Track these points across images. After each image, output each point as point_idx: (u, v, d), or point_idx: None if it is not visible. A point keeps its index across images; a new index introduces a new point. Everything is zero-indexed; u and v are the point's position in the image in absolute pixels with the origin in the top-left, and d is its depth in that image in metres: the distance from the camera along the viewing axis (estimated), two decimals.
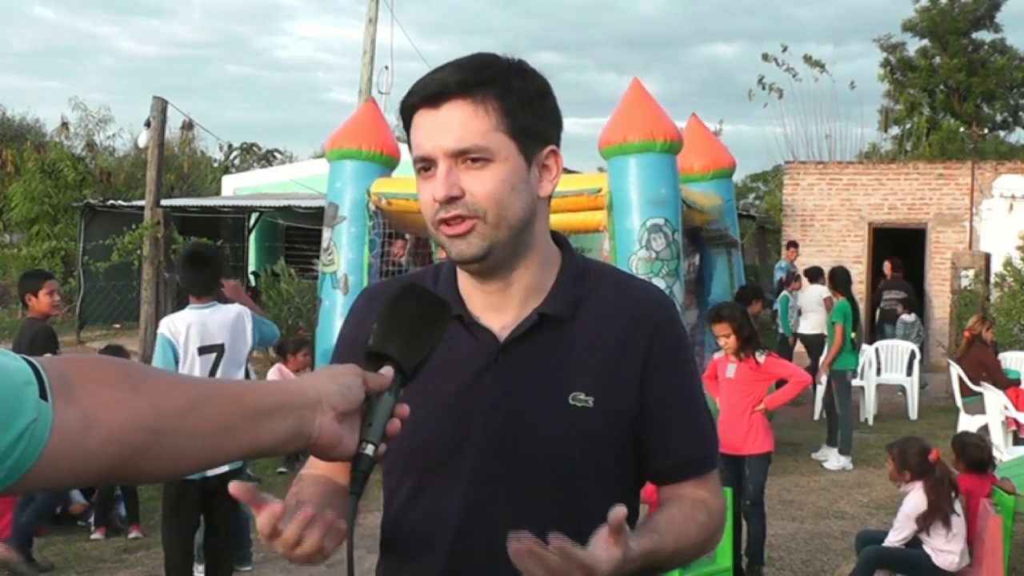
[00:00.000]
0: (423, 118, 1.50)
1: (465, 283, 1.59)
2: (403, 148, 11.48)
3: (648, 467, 1.61)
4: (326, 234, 9.13)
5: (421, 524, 1.55)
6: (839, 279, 9.56)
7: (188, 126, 28.10)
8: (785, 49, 22.93)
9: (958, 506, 5.04)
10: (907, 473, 5.07)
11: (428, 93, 1.49)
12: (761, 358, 5.87)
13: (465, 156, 1.47)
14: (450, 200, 1.47)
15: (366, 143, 9.02)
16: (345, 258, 8.91)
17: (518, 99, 1.50)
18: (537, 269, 1.57)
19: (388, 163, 9.26)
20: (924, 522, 4.96)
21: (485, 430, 1.51)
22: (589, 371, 1.53)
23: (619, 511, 1.30)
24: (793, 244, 15.58)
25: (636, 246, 7.94)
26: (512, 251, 1.53)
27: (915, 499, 5.01)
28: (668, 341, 1.58)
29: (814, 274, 11.98)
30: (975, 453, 5.36)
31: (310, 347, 8.74)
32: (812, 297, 11.94)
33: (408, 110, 1.53)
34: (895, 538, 5.07)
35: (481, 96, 1.48)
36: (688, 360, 1.63)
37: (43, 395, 0.98)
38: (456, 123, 1.47)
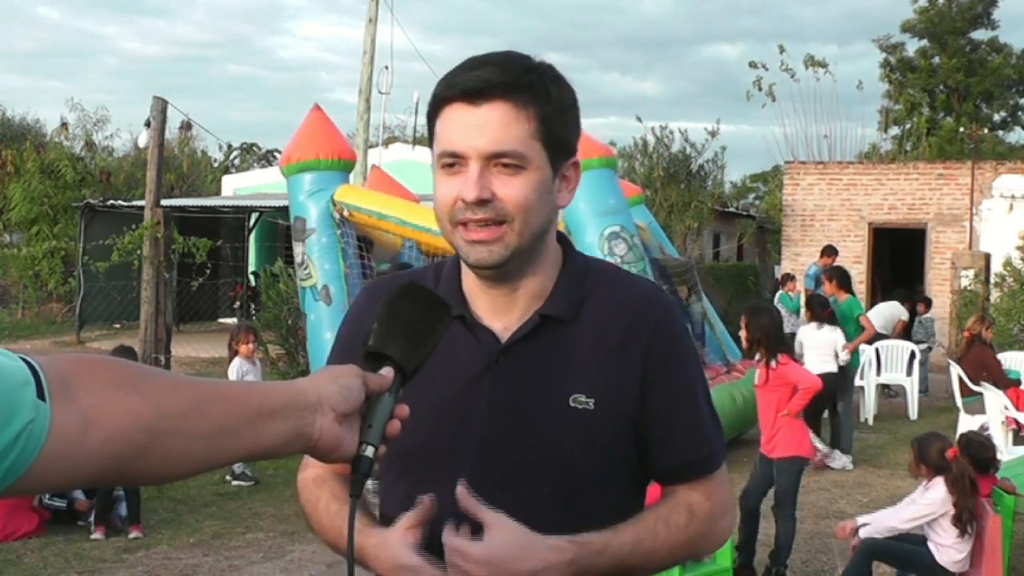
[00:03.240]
0: (459, 112, 1.46)
1: (471, 284, 1.58)
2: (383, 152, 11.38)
3: (650, 467, 1.59)
4: (298, 249, 8.98)
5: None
6: (843, 279, 9.70)
7: (187, 126, 28.12)
8: (783, 50, 22.93)
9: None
10: (923, 467, 5.07)
11: (469, 88, 1.45)
12: (774, 363, 6.06)
13: (499, 160, 1.44)
14: (480, 202, 1.44)
15: (323, 151, 8.87)
16: (322, 269, 8.79)
17: (555, 109, 1.48)
18: (544, 274, 1.57)
19: (347, 167, 9.21)
20: (958, 523, 4.90)
21: (485, 431, 1.50)
22: (590, 373, 1.52)
23: (459, 490, 1.38)
24: (831, 250, 13.81)
25: (600, 255, 8.08)
26: (527, 259, 1.52)
27: (942, 494, 4.95)
28: (668, 340, 1.57)
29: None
30: (980, 452, 5.35)
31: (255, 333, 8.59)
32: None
33: (442, 102, 1.48)
34: (909, 514, 5.00)
35: (524, 101, 1.45)
36: (689, 359, 1.61)
37: (41, 395, 0.98)
38: (496, 124, 1.44)
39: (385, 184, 10.62)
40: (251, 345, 8.10)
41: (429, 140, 1.53)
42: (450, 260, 1.63)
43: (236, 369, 7.98)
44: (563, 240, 1.64)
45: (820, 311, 8.93)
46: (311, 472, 1.64)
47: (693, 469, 1.59)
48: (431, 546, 1.51)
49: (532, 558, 1.38)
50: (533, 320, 1.54)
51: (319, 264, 8.81)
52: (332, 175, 8.91)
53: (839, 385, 9.03)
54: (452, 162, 1.47)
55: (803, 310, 10.02)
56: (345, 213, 8.74)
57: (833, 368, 8.73)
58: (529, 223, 1.47)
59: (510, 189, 1.45)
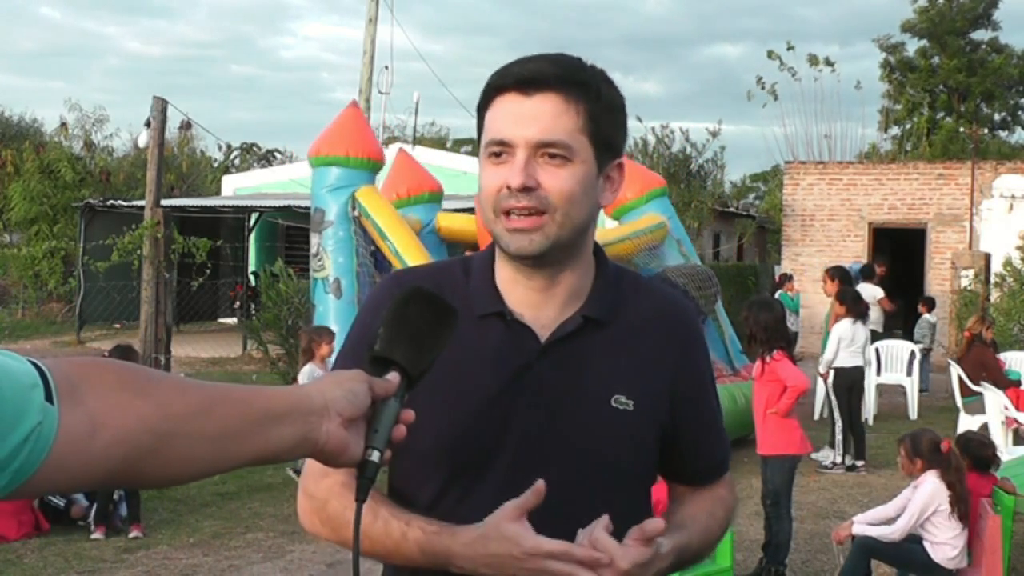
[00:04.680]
0: (510, 102, 1.48)
1: (506, 278, 1.57)
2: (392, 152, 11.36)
3: (678, 469, 1.66)
4: (314, 240, 9.05)
5: (449, 522, 1.49)
6: (844, 278, 9.71)
7: (186, 126, 28.12)
8: (791, 47, 22.88)
9: None
10: (919, 462, 5.05)
11: (523, 78, 1.47)
12: (769, 357, 6.05)
13: (546, 150, 1.46)
14: (525, 189, 1.45)
15: (353, 150, 8.87)
16: (335, 262, 8.83)
17: (604, 107, 1.51)
18: (582, 272, 1.58)
19: (375, 168, 9.23)
20: (954, 506, 4.91)
21: (523, 429, 1.50)
22: (629, 374, 1.55)
23: (656, 524, 1.39)
24: (881, 263, 14.52)
25: None
26: (566, 252, 1.53)
27: (931, 488, 4.96)
28: (695, 348, 1.64)
29: (868, 273, 12.39)
30: (980, 451, 5.35)
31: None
32: (867, 296, 12.31)
33: (494, 91, 1.50)
34: (904, 523, 4.99)
35: (575, 95, 1.47)
36: (709, 367, 1.69)
37: (49, 398, 0.98)
38: (547, 114, 1.46)
39: (409, 168, 10.49)
40: (332, 346, 7.57)
41: (478, 132, 1.54)
42: (480, 255, 1.63)
43: (308, 375, 7.35)
44: (595, 245, 1.65)
45: (855, 305, 8.99)
46: (339, 478, 1.52)
47: (717, 470, 1.69)
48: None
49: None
50: (575, 320, 1.55)
51: (333, 257, 8.85)
52: (358, 173, 8.94)
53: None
54: (499, 151, 1.48)
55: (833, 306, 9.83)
56: (356, 213, 8.77)
57: (859, 362, 8.89)
58: (571, 215, 1.48)
59: (556, 180, 1.46)
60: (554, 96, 1.46)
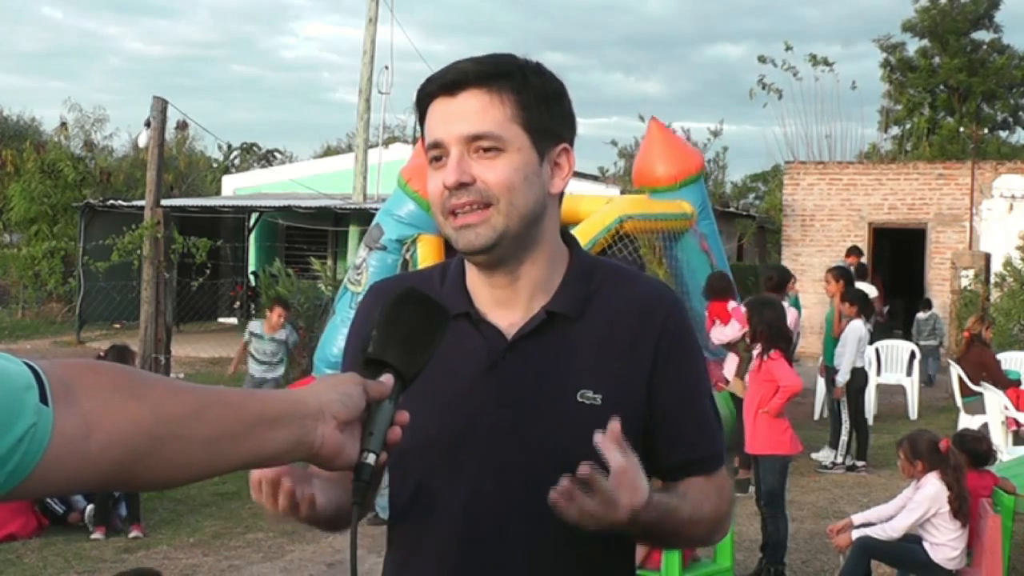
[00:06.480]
0: (439, 106, 1.51)
1: (473, 279, 1.59)
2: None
3: (656, 463, 1.60)
4: (362, 252, 8.99)
5: (426, 520, 1.55)
6: (848, 279, 9.73)
7: (182, 126, 28.17)
8: (789, 48, 22.82)
9: None
10: (919, 463, 5.03)
11: (446, 81, 1.51)
12: (766, 356, 6.02)
13: (478, 144, 1.48)
14: (461, 186, 1.47)
15: None
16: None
17: (534, 95, 1.51)
18: (545, 266, 1.58)
19: None
20: (958, 515, 4.91)
21: (491, 427, 1.51)
22: (597, 369, 1.54)
23: (614, 424, 1.35)
24: (856, 250, 14.33)
25: None
26: (520, 244, 1.53)
27: (933, 491, 4.94)
28: (676, 338, 1.59)
29: (862, 272, 12.46)
30: (975, 446, 5.35)
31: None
32: None
33: (425, 98, 1.54)
34: (904, 521, 4.98)
35: (498, 87, 1.49)
36: (696, 357, 1.64)
37: (44, 399, 0.98)
38: (472, 111, 1.48)
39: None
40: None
41: (422, 142, 1.58)
42: (455, 259, 1.64)
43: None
44: (569, 238, 1.65)
45: (865, 304, 8.98)
46: (314, 469, 1.63)
47: (700, 465, 1.61)
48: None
49: (618, 512, 1.37)
50: (539, 316, 1.55)
51: (371, 279, 8.77)
52: (430, 221, 8.83)
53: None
54: (438, 154, 1.51)
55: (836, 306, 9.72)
56: (409, 255, 8.72)
57: (863, 362, 8.94)
58: (515, 204, 1.49)
59: (491, 172, 1.48)
60: (478, 91, 1.49)
